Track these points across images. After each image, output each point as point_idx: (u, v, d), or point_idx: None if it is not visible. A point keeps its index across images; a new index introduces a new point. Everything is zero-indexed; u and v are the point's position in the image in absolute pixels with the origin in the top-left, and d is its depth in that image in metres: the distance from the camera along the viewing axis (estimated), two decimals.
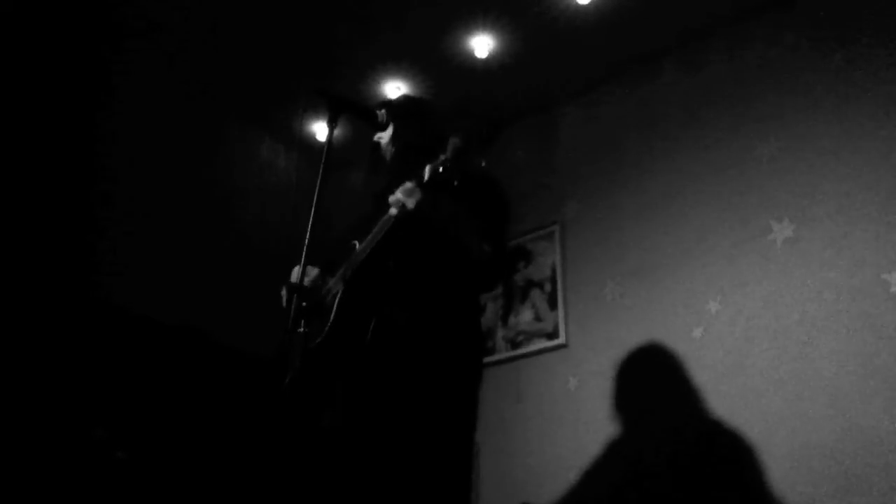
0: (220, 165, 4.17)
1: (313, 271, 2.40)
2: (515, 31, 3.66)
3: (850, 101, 3.11)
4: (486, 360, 2.36)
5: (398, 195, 2.03)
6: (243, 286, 3.89)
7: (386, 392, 2.06)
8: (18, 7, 3.32)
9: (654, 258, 3.46)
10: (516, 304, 3.85)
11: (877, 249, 2.86)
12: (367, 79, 3.94)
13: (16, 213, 3.14)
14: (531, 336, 3.73)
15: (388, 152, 2.33)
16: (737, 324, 3.12)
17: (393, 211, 2.05)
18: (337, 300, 2.15)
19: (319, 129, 4.28)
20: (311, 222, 2.04)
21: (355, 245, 2.24)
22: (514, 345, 3.77)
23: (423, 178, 1.97)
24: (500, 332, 3.84)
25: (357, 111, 2.25)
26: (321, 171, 2.10)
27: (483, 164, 1.99)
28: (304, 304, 2.00)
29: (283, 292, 2.19)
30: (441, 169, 1.93)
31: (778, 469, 2.80)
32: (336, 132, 2.17)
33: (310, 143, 4.32)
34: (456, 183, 1.94)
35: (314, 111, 4.18)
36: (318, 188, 2.07)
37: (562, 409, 3.50)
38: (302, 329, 2.00)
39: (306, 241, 2.02)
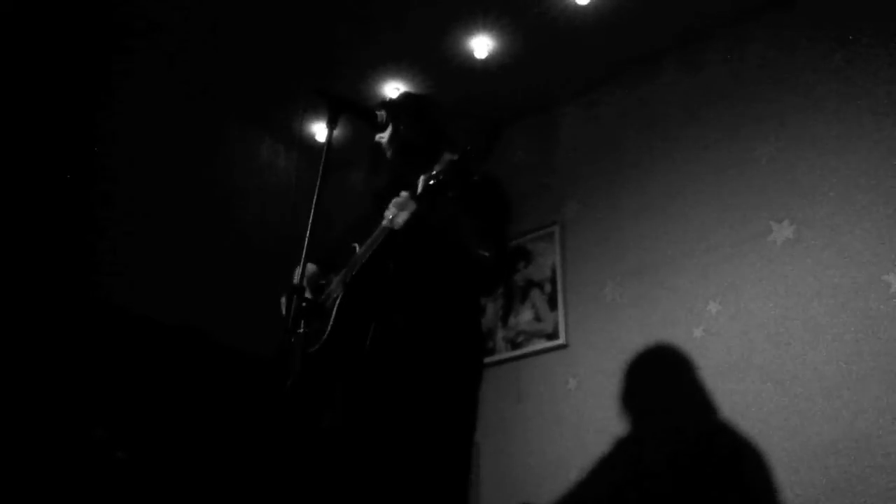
0: (220, 165, 4.17)
1: (312, 268, 2.39)
2: (515, 32, 3.66)
3: (850, 101, 3.11)
4: (487, 360, 2.35)
5: (391, 208, 2.03)
6: (243, 286, 3.90)
7: (385, 394, 2.06)
8: (19, 7, 3.32)
9: (654, 258, 3.46)
10: (516, 304, 3.85)
11: (877, 250, 2.86)
12: (367, 79, 3.94)
13: (16, 212, 3.14)
14: (531, 336, 3.73)
15: (388, 152, 2.33)
16: (737, 324, 3.12)
17: (385, 223, 2.06)
18: (337, 304, 2.15)
19: (319, 129, 4.28)
20: (311, 222, 2.04)
21: (355, 248, 2.24)
22: (514, 345, 3.77)
23: (416, 189, 1.98)
24: (500, 333, 3.84)
25: (357, 111, 2.25)
26: (321, 171, 2.10)
27: (476, 177, 2.00)
28: (303, 303, 2.00)
29: (283, 299, 2.19)
30: (433, 182, 1.93)
31: (778, 469, 2.80)
32: (336, 132, 2.17)
33: (310, 143, 4.32)
34: (450, 194, 1.95)
35: (314, 111, 4.18)
36: (318, 188, 2.07)
37: (562, 409, 3.50)
38: (301, 329, 2.01)
39: (306, 241, 2.02)
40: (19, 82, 3.28)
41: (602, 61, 3.84)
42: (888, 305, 2.77)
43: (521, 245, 3.90)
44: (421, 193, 1.97)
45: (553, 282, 3.75)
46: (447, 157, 1.92)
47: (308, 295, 2.28)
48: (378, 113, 2.28)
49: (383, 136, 2.33)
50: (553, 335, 3.65)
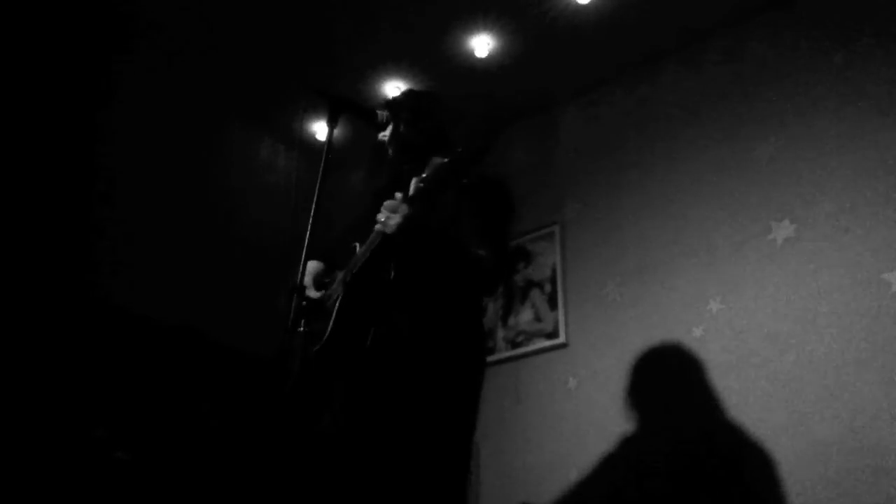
0: (220, 165, 4.17)
1: (318, 266, 2.39)
2: (515, 31, 3.66)
3: (850, 101, 3.11)
4: (487, 359, 2.35)
5: (383, 211, 2.03)
6: (243, 286, 3.90)
7: (385, 394, 2.06)
8: (19, 7, 3.32)
9: (655, 258, 3.46)
10: (516, 304, 3.85)
11: (877, 249, 2.86)
12: (367, 79, 3.94)
13: (16, 212, 3.14)
14: (531, 336, 3.73)
15: (389, 151, 2.33)
16: (737, 323, 3.12)
17: (378, 227, 2.06)
18: (337, 305, 2.15)
19: (319, 129, 4.28)
20: (311, 222, 2.04)
21: (356, 247, 2.24)
22: (514, 344, 3.77)
23: (408, 192, 1.99)
24: (500, 333, 3.84)
25: (357, 111, 2.25)
26: (321, 171, 2.10)
27: (466, 180, 2.00)
28: (303, 303, 2.00)
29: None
30: (423, 185, 1.94)
31: (778, 468, 2.80)
32: (336, 132, 2.17)
33: (310, 143, 4.32)
34: (443, 196, 1.94)
35: (314, 111, 4.18)
36: (318, 188, 2.07)
37: (562, 409, 3.50)
38: (302, 328, 2.01)
39: (306, 241, 2.02)
40: (19, 81, 3.28)
41: (602, 61, 3.84)
42: (888, 304, 2.77)
43: (521, 245, 3.90)
44: (412, 197, 1.97)
45: (553, 281, 3.75)
46: (436, 160, 1.92)
47: (313, 293, 2.28)
48: (378, 112, 2.28)
49: (385, 135, 2.33)
50: (553, 334, 3.65)
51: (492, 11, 3.57)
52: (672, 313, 3.31)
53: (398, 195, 2.02)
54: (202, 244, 3.86)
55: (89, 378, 3.07)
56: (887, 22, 3.09)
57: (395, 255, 2.08)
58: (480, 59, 3.77)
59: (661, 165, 3.60)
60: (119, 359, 3.21)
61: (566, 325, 3.63)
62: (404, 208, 1.99)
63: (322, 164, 2.11)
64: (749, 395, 2.97)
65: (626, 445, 3.20)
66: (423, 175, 1.92)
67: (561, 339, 3.62)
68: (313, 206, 2.05)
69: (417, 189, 1.94)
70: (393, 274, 2.07)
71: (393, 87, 3.93)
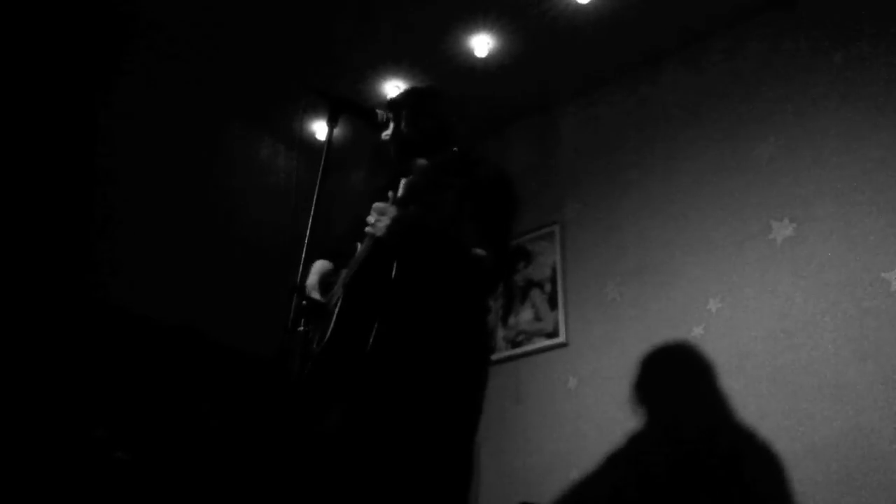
0: (220, 165, 4.17)
1: (326, 265, 2.39)
2: (515, 31, 3.66)
3: (850, 101, 3.11)
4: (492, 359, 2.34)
5: (373, 213, 2.03)
6: (243, 286, 3.90)
7: (387, 395, 2.06)
8: (19, 7, 3.32)
9: (655, 257, 3.46)
10: (516, 304, 3.85)
11: (877, 248, 2.86)
12: (367, 78, 3.94)
13: (16, 212, 3.14)
14: (531, 335, 3.73)
15: (391, 150, 2.33)
16: (737, 323, 3.12)
17: (368, 229, 2.06)
18: (338, 306, 2.14)
19: (319, 129, 4.28)
20: (311, 222, 2.04)
21: (357, 247, 2.23)
22: (514, 344, 3.77)
23: (397, 194, 2.00)
24: (501, 332, 3.84)
25: (357, 111, 2.25)
26: (321, 171, 2.10)
27: (465, 180, 2.01)
28: (303, 302, 2.00)
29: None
30: (408, 187, 1.94)
31: (778, 469, 2.79)
32: (336, 132, 2.17)
33: (310, 143, 4.32)
34: (429, 197, 1.96)
35: (314, 111, 4.17)
36: (317, 188, 2.07)
37: (562, 408, 3.50)
38: (302, 328, 2.00)
39: (306, 240, 2.02)
40: (20, 82, 3.28)
41: (602, 61, 3.84)
42: (888, 303, 2.77)
43: (521, 245, 3.90)
44: (400, 198, 1.98)
45: (553, 281, 3.75)
46: (419, 163, 1.92)
47: (316, 294, 2.28)
48: (378, 112, 2.28)
49: (387, 135, 2.32)
50: (553, 334, 3.65)
51: (492, 11, 3.57)
52: (672, 313, 3.31)
53: (390, 195, 2.03)
54: (202, 244, 3.86)
55: (89, 378, 3.07)
56: (887, 22, 3.09)
57: (396, 255, 2.08)
58: (480, 59, 3.77)
59: (661, 165, 3.60)
60: (119, 359, 3.21)
61: (566, 324, 3.63)
62: (392, 210, 1.99)
63: (322, 164, 2.11)
64: (749, 395, 2.97)
65: (626, 445, 3.20)
66: (408, 178, 1.94)
67: (561, 338, 3.62)
68: (313, 206, 2.05)
69: (405, 190, 1.95)
70: (395, 274, 2.06)
71: (393, 87, 3.93)
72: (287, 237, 3.73)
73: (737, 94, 3.46)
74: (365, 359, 2.04)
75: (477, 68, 3.81)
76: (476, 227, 2.11)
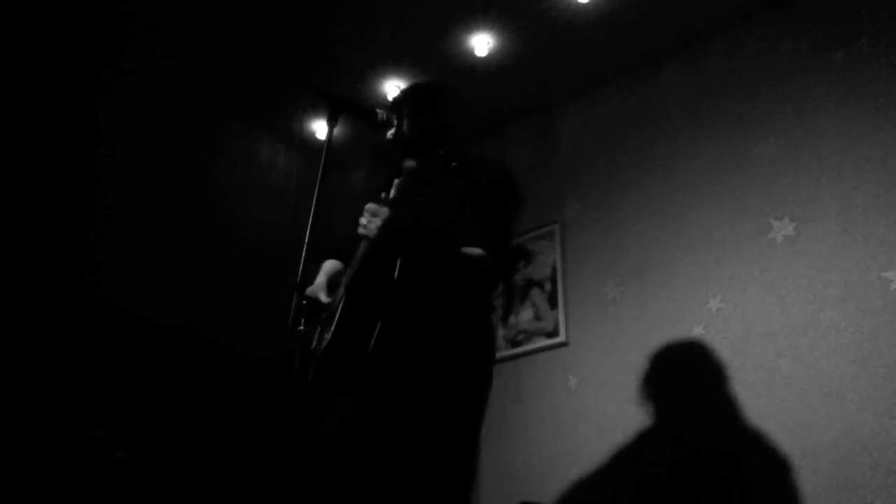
0: (220, 165, 4.17)
1: (337, 265, 2.39)
2: (515, 31, 3.66)
3: (850, 101, 3.11)
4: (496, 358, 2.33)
5: (365, 214, 2.04)
6: (243, 286, 3.90)
7: (389, 395, 2.06)
8: (18, 8, 3.32)
9: (655, 257, 3.46)
10: (516, 303, 3.85)
11: (877, 247, 2.86)
12: (367, 79, 3.94)
13: (16, 213, 3.14)
14: (531, 335, 3.74)
15: (397, 150, 2.33)
16: (737, 322, 3.12)
17: (360, 230, 2.06)
18: (340, 307, 2.14)
19: (319, 129, 4.28)
20: (311, 222, 2.04)
21: (361, 246, 2.23)
22: (515, 343, 3.77)
23: (389, 195, 2.00)
24: (501, 332, 3.84)
25: (357, 111, 2.25)
26: (321, 170, 2.10)
27: (454, 184, 2.02)
28: (303, 302, 2.00)
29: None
30: (399, 188, 1.95)
31: (778, 468, 2.80)
32: (336, 132, 2.17)
33: (310, 142, 4.32)
34: (419, 199, 1.96)
35: (314, 111, 4.17)
36: (317, 188, 2.07)
37: (562, 408, 3.50)
38: (302, 328, 2.00)
39: (306, 240, 2.02)
40: (20, 82, 3.28)
41: (602, 61, 3.84)
42: (888, 302, 2.77)
43: (521, 244, 3.90)
44: (391, 200, 1.98)
45: (553, 280, 3.76)
46: (408, 164, 1.93)
47: (324, 295, 2.28)
48: (378, 111, 2.28)
49: (391, 134, 2.32)
50: (553, 333, 3.65)
51: (492, 10, 3.57)
52: (672, 312, 3.31)
53: (383, 196, 2.03)
54: (202, 244, 3.86)
55: (89, 378, 3.07)
56: (887, 22, 3.09)
57: (389, 256, 2.08)
58: (480, 59, 3.76)
59: (661, 165, 3.60)
60: (119, 359, 3.21)
61: (566, 323, 3.64)
62: (384, 211, 2.00)
63: (322, 164, 2.11)
64: (749, 395, 2.97)
65: (626, 445, 3.21)
66: (399, 180, 1.95)
67: (561, 337, 3.62)
68: (313, 206, 2.05)
69: (395, 192, 1.96)
70: (397, 274, 2.06)
71: (393, 87, 3.93)
72: (287, 237, 3.73)
73: (737, 94, 3.46)
74: (367, 359, 2.04)
75: (477, 68, 3.81)
76: (476, 227, 2.11)
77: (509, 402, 3.65)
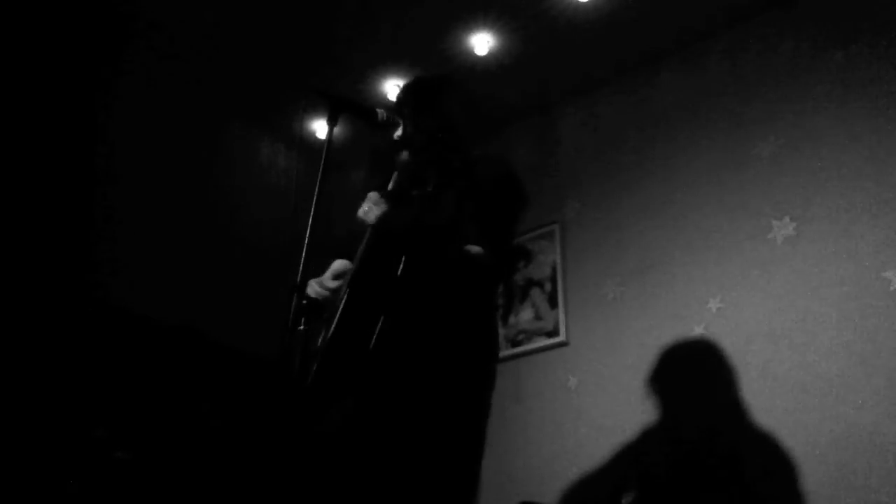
0: (220, 165, 4.17)
1: (345, 264, 2.39)
2: (515, 31, 3.66)
3: (850, 101, 3.11)
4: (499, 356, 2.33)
5: (366, 202, 2.07)
6: (243, 286, 3.90)
7: (391, 393, 2.05)
8: (18, 8, 3.32)
9: (655, 256, 3.46)
10: (516, 303, 3.85)
11: (877, 247, 2.86)
12: (367, 79, 3.94)
13: (16, 213, 3.14)
14: (532, 335, 3.74)
15: (394, 150, 2.33)
16: (737, 322, 3.12)
17: (360, 214, 2.10)
18: (342, 305, 2.14)
19: (319, 129, 4.28)
20: (311, 222, 2.03)
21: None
22: (515, 343, 3.77)
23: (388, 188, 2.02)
24: (501, 332, 3.83)
25: (357, 111, 2.24)
26: (321, 170, 2.10)
27: (455, 185, 2.03)
28: (304, 301, 2.00)
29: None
30: (398, 180, 1.96)
31: (778, 468, 2.80)
32: (336, 132, 2.17)
33: (310, 142, 4.32)
34: (415, 192, 1.98)
35: (314, 111, 4.17)
36: (317, 188, 2.07)
37: (562, 408, 3.50)
38: (302, 328, 2.00)
39: (306, 240, 2.02)
40: (20, 82, 3.28)
41: (602, 61, 3.84)
42: (888, 302, 2.77)
43: (521, 244, 3.90)
44: (389, 193, 1.99)
45: (553, 280, 3.76)
46: (401, 159, 1.94)
47: (329, 282, 2.30)
48: (378, 111, 2.27)
49: (398, 135, 2.31)
50: (553, 333, 3.65)
51: (492, 10, 3.57)
52: (672, 312, 3.31)
53: (385, 186, 2.05)
54: (202, 244, 3.86)
55: (89, 378, 3.07)
56: (887, 22, 3.10)
57: (390, 245, 2.08)
58: (480, 58, 3.76)
59: (661, 165, 3.60)
60: (119, 359, 3.21)
61: (566, 323, 3.64)
62: (383, 202, 2.01)
63: (322, 164, 2.10)
64: (749, 394, 2.97)
65: (626, 445, 3.21)
66: (394, 175, 1.96)
67: (561, 337, 3.62)
68: (313, 205, 2.05)
69: (393, 185, 1.97)
70: (401, 270, 2.06)
71: (393, 87, 3.93)
72: (287, 237, 3.72)
73: (737, 94, 3.46)
74: (368, 356, 2.04)
75: (477, 68, 3.81)
76: (476, 227, 2.11)
77: (509, 401, 3.65)
